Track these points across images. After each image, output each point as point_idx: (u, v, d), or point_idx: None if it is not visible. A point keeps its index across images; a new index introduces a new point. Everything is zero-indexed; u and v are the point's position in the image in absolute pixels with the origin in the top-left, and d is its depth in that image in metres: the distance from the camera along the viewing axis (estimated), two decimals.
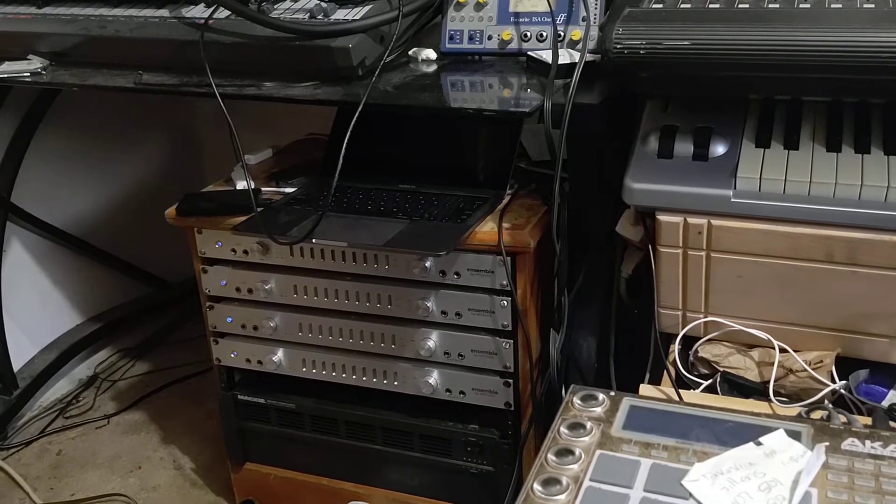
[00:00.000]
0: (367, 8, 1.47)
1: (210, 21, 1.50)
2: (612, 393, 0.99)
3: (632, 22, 1.16)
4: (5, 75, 1.63)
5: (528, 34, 1.48)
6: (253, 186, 1.59)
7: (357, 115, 1.31)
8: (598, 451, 0.90)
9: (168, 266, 2.60)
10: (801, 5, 1.14)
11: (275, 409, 1.71)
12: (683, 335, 1.25)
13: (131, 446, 2.19)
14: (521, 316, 1.43)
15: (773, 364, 1.18)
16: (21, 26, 1.71)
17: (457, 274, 1.44)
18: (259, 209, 1.52)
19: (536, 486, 0.85)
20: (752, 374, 1.21)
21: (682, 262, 1.22)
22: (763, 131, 1.20)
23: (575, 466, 0.87)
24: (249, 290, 1.61)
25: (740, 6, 1.16)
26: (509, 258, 1.40)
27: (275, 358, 1.65)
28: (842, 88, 1.16)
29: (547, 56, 1.40)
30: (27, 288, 2.34)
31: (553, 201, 1.32)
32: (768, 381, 1.16)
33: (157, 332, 2.63)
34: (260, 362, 1.67)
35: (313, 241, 1.42)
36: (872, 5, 1.11)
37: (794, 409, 1.11)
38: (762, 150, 1.18)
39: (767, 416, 0.94)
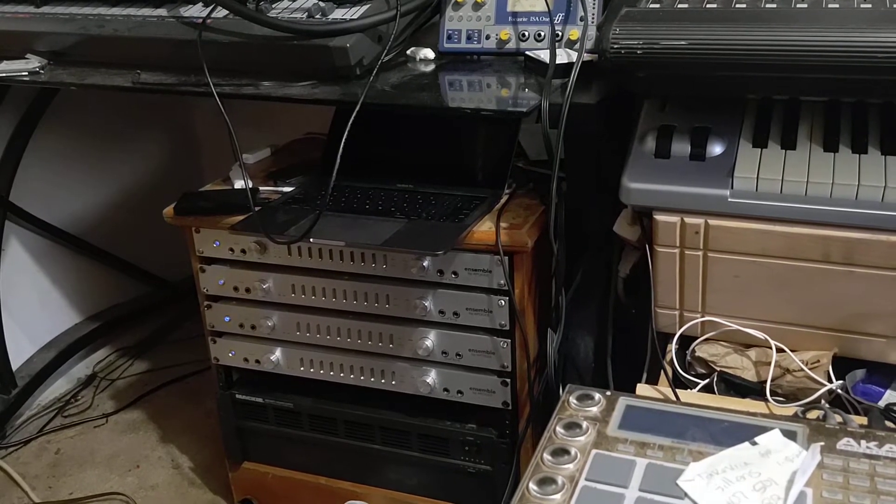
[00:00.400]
0: (364, 7, 1.47)
1: (208, 20, 1.50)
2: (608, 392, 0.99)
3: (629, 22, 1.16)
4: (4, 74, 1.63)
5: (526, 34, 1.48)
6: (251, 186, 1.59)
7: (355, 114, 1.31)
8: (594, 451, 0.90)
9: (166, 265, 2.60)
10: (798, 5, 1.14)
11: (273, 408, 1.71)
12: (681, 335, 1.26)
13: (130, 445, 2.20)
14: (519, 315, 1.43)
15: (769, 364, 1.18)
16: (19, 25, 1.71)
17: (454, 273, 1.44)
18: (257, 208, 1.52)
19: (532, 486, 0.85)
20: (749, 374, 1.21)
21: (679, 262, 1.22)
22: (760, 131, 1.20)
23: (570, 466, 0.87)
24: (247, 290, 1.61)
25: (737, 6, 1.16)
26: (507, 258, 1.40)
27: (273, 357, 1.65)
28: (839, 88, 1.16)
29: (545, 56, 1.40)
30: (26, 287, 2.34)
31: (550, 201, 1.32)
32: (765, 381, 1.16)
33: (156, 331, 2.64)
34: (258, 361, 1.67)
35: (311, 240, 1.42)
36: (869, 5, 1.11)
37: (790, 409, 1.11)
38: (759, 149, 1.18)
39: (763, 415, 0.94)
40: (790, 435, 0.89)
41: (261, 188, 1.65)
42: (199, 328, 1.73)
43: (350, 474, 1.72)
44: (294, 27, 1.43)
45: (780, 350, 1.19)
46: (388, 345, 1.55)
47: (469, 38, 1.52)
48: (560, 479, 0.85)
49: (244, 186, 1.54)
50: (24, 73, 1.63)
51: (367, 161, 1.62)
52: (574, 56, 1.35)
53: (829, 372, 1.17)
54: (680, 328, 1.26)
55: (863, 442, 0.87)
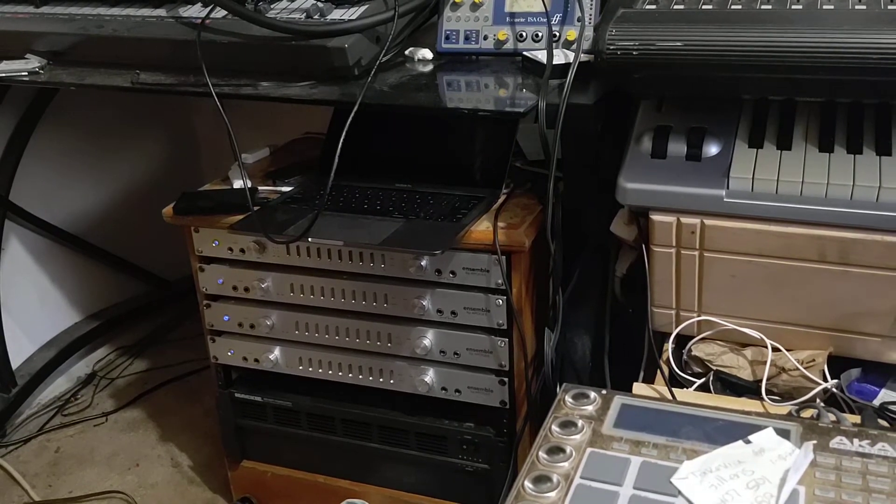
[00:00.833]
0: (363, 8, 1.47)
1: (207, 21, 1.51)
2: (604, 391, 1.00)
3: (625, 23, 1.16)
4: (3, 74, 1.64)
5: (524, 34, 1.48)
6: (250, 185, 1.60)
7: (353, 114, 1.32)
8: (589, 449, 0.90)
9: (166, 264, 2.61)
10: (793, 7, 1.15)
11: (271, 407, 1.72)
12: (677, 334, 1.26)
13: (129, 444, 2.20)
14: (517, 315, 1.44)
15: (765, 363, 1.19)
16: (19, 25, 1.72)
17: (452, 273, 1.45)
18: (256, 208, 1.52)
19: (527, 484, 0.85)
20: (745, 373, 1.21)
21: (675, 262, 1.23)
22: (756, 131, 1.21)
23: (566, 464, 0.88)
24: (246, 289, 1.62)
25: (733, 7, 1.17)
26: (504, 257, 1.40)
27: (271, 356, 1.66)
28: (834, 89, 1.17)
29: (542, 56, 1.40)
30: (26, 286, 2.35)
31: (547, 201, 1.33)
32: (761, 380, 1.17)
33: (156, 330, 2.64)
34: (257, 360, 1.68)
35: (309, 239, 1.43)
36: (864, 7, 1.12)
37: (785, 408, 1.12)
38: (755, 150, 1.19)
39: (757, 414, 0.94)
40: (783, 433, 0.89)
41: (260, 188, 1.66)
42: (199, 327, 1.74)
43: (348, 473, 1.72)
44: (292, 28, 1.44)
45: (775, 349, 1.20)
46: (387, 344, 1.55)
47: (467, 39, 1.53)
48: (555, 477, 0.86)
49: (243, 186, 1.55)
50: (23, 73, 1.64)
51: (365, 161, 1.63)
52: (571, 56, 1.36)
53: (824, 371, 1.18)
54: (676, 327, 1.27)
55: (855, 440, 0.87)
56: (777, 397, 1.17)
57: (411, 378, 1.56)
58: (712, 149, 1.21)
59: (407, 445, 1.63)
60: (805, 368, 1.17)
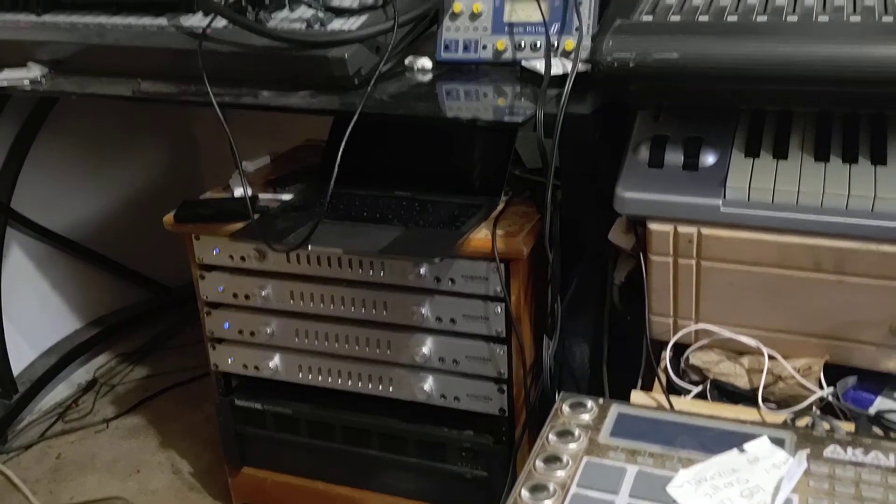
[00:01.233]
0: (363, 18, 1.48)
1: (208, 30, 1.52)
2: (601, 400, 1.00)
3: (622, 34, 1.17)
4: (5, 83, 1.65)
5: (523, 44, 1.49)
6: (250, 193, 1.60)
7: (353, 124, 1.33)
8: (586, 458, 0.91)
9: (167, 271, 2.61)
10: (788, 19, 1.15)
11: (271, 414, 1.73)
12: (675, 342, 1.27)
13: (130, 450, 2.21)
14: (515, 322, 1.44)
15: (762, 371, 1.19)
16: (20, 34, 1.72)
17: (451, 280, 1.46)
18: (256, 216, 1.53)
19: (524, 493, 0.86)
20: (742, 381, 1.22)
21: (672, 271, 1.24)
22: (752, 141, 1.22)
23: (562, 473, 0.89)
24: (246, 296, 1.63)
25: (729, 19, 1.18)
26: (503, 265, 1.41)
27: (271, 364, 1.66)
28: (830, 100, 1.17)
29: (540, 66, 1.41)
30: (27, 293, 2.36)
31: (545, 209, 1.34)
32: (758, 388, 1.18)
33: (156, 336, 2.64)
34: (257, 368, 1.68)
35: (309, 247, 1.44)
36: (859, 19, 1.13)
37: (780, 416, 1.12)
38: (751, 159, 1.20)
39: (753, 423, 0.95)
40: (778, 442, 0.90)
41: (260, 195, 1.67)
42: (199, 334, 1.75)
43: (348, 480, 1.73)
44: (293, 38, 1.45)
45: (772, 357, 1.21)
46: (386, 351, 1.56)
47: (466, 48, 1.54)
48: (552, 486, 0.87)
49: (244, 194, 1.56)
50: (25, 82, 1.65)
51: (365, 169, 1.64)
52: (569, 66, 1.37)
53: (820, 379, 1.18)
54: (674, 336, 1.27)
55: (849, 449, 0.88)
56: (774, 405, 1.18)
57: (410, 385, 1.56)
58: (709, 158, 1.21)
59: (406, 453, 1.63)
60: (801, 376, 1.18)
